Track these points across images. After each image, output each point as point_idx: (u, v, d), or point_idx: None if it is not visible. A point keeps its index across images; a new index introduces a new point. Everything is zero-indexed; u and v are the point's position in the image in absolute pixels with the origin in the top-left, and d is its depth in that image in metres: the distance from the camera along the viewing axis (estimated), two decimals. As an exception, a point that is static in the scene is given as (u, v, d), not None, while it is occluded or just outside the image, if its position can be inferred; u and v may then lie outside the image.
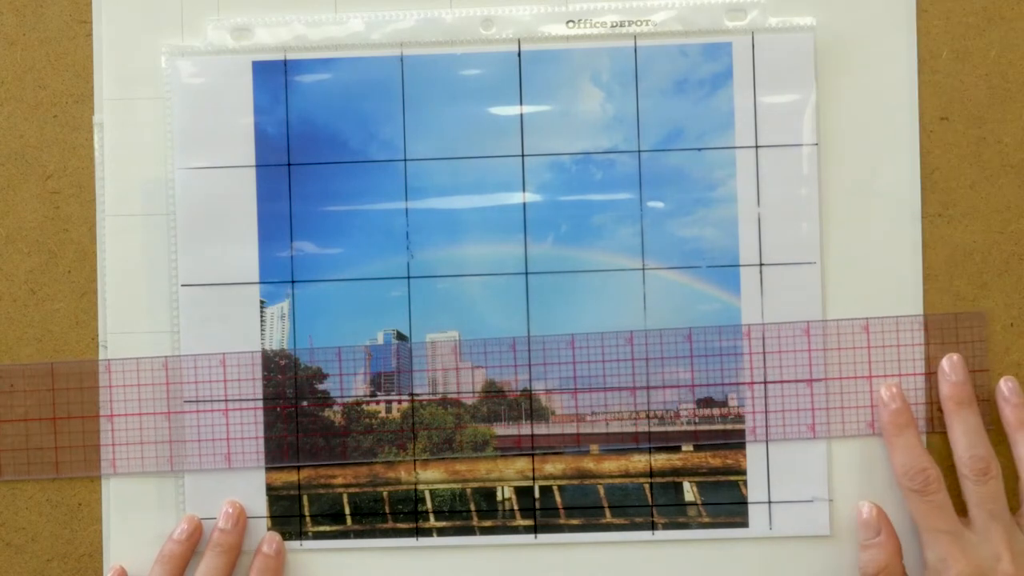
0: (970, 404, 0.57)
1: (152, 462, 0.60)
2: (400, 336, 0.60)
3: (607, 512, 0.60)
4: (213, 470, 0.60)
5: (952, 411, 0.57)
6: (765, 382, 0.59)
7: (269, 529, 0.60)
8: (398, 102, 0.60)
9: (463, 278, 0.60)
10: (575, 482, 0.60)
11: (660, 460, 0.60)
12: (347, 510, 0.61)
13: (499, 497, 0.61)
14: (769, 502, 0.60)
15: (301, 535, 0.60)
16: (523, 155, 0.60)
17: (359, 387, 0.60)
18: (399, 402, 0.60)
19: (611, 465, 0.60)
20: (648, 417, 0.60)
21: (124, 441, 0.60)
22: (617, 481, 0.60)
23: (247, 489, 0.60)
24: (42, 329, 0.61)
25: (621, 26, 0.60)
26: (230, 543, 0.59)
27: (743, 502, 0.60)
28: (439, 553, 0.60)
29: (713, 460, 0.60)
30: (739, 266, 0.60)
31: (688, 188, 0.60)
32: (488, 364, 0.60)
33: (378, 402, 0.60)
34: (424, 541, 0.60)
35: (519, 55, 0.60)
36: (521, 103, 0.60)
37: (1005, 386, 0.58)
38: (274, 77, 0.60)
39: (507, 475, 0.61)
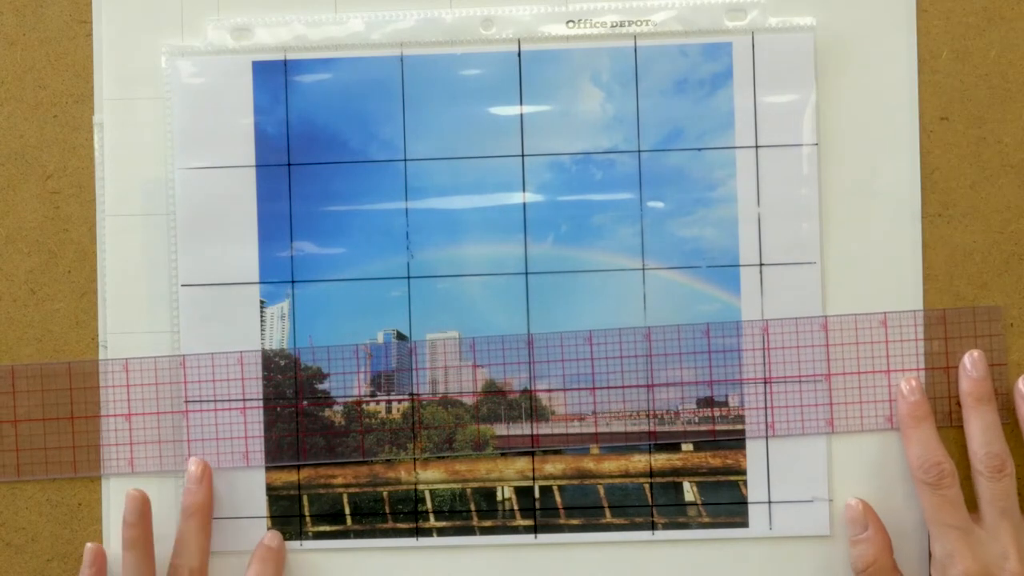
0: (989, 401, 0.58)
1: (155, 462, 0.60)
2: (400, 336, 0.60)
3: (607, 512, 0.60)
4: (213, 470, 0.60)
5: (971, 407, 0.58)
6: (785, 378, 0.59)
7: (269, 529, 0.60)
8: (398, 102, 0.60)
9: (463, 278, 0.60)
10: (575, 482, 0.60)
11: (660, 460, 0.60)
12: (347, 510, 0.61)
13: (499, 497, 0.61)
14: (769, 502, 0.60)
15: (301, 535, 0.60)
16: (523, 155, 0.60)
17: (359, 387, 0.60)
18: (399, 402, 0.60)
19: (611, 465, 0.60)
20: (649, 416, 0.60)
21: (122, 441, 0.60)
22: (617, 481, 0.60)
23: (247, 489, 0.60)
24: (42, 329, 0.61)
25: (621, 26, 0.60)
26: (199, 502, 0.58)
27: (743, 502, 0.60)
28: (439, 553, 0.60)
29: (713, 460, 0.60)
30: (739, 266, 0.60)
31: (688, 188, 0.60)
32: (491, 362, 0.60)
33: (378, 402, 0.61)
34: (424, 541, 0.60)
35: (519, 55, 0.60)
36: (521, 103, 0.60)
37: (1023, 383, 0.58)
38: (274, 77, 0.60)
39: (507, 475, 0.61)
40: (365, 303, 0.60)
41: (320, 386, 0.60)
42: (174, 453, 0.60)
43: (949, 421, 0.59)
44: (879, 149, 0.60)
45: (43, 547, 0.61)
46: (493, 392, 0.60)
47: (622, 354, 0.60)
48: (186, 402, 0.60)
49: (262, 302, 0.60)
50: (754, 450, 0.60)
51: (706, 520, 0.60)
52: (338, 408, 0.60)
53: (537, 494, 0.61)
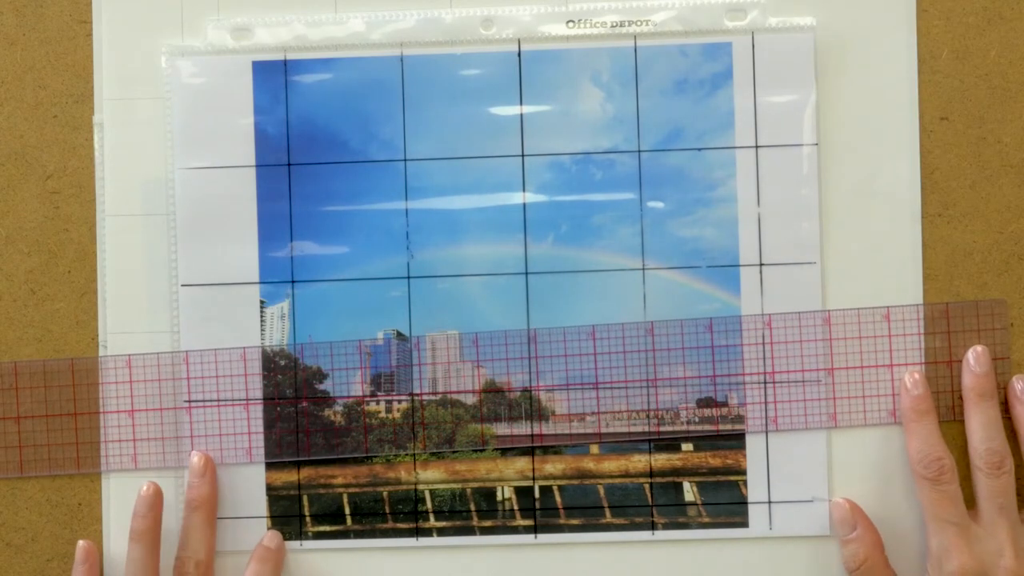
0: (991, 397, 0.58)
1: (158, 458, 0.60)
2: (400, 336, 0.60)
3: (607, 512, 0.60)
4: (215, 465, 0.60)
5: (972, 402, 0.58)
6: (788, 372, 0.59)
7: (269, 529, 0.60)
8: (398, 102, 0.60)
9: (463, 278, 0.60)
10: (575, 482, 0.60)
11: (660, 460, 0.60)
12: (347, 510, 0.61)
13: (499, 497, 0.61)
14: (769, 502, 0.60)
15: (301, 535, 0.60)
16: (523, 155, 0.60)
17: (359, 387, 0.60)
18: (399, 401, 0.60)
19: (611, 465, 0.60)
20: (649, 416, 0.60)
21: (125, 437, 0.60)
22: (617, 481, 0.60)
23: (247, 489, 0.60)
24: (42, 329, 0.61)
25: (621, 26, 0.60)
26: (203, 496, 0.59)
27: (743, 502, 0.60)
28: (439, 553, 0.60)
29: (713, 460, 0.60)
30: (739, 266, 0.60)
31: (688, 188, 0.60)
32: (493, 357, 0.60)
33: (378, 401, 0.61)
34: (424, 541, 0.60)
35: (519, 55, 0.60)
36: (521, 103, 0.60)
37: (1018, 385, 0.58)
38: (274, 77, 0.60)
39: (507, 475, 0.61)
40: (365, 303, 0.60)
41: (320, 386, 0.60)
42: (177, 449, 0.60)
43: (952, 415, 0.59)
44: (879, 149, 0.60)
45: (43, 547, 0.61)
46: (493, 390, 0.60)
47: (625, 349, 0.60)
48: (189, 399, 0.60)
49: (262, 302, 0.60)
50: (754, 449, 0.60)
51: (706, 520, 0.60)
52: (338, 408, 0.60)
53: (537, 494, 0.61)
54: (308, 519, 0.61)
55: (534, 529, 0.60)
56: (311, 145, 0.60)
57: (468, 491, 0.61)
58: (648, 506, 0.60)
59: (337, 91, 0.60)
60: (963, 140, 0.60)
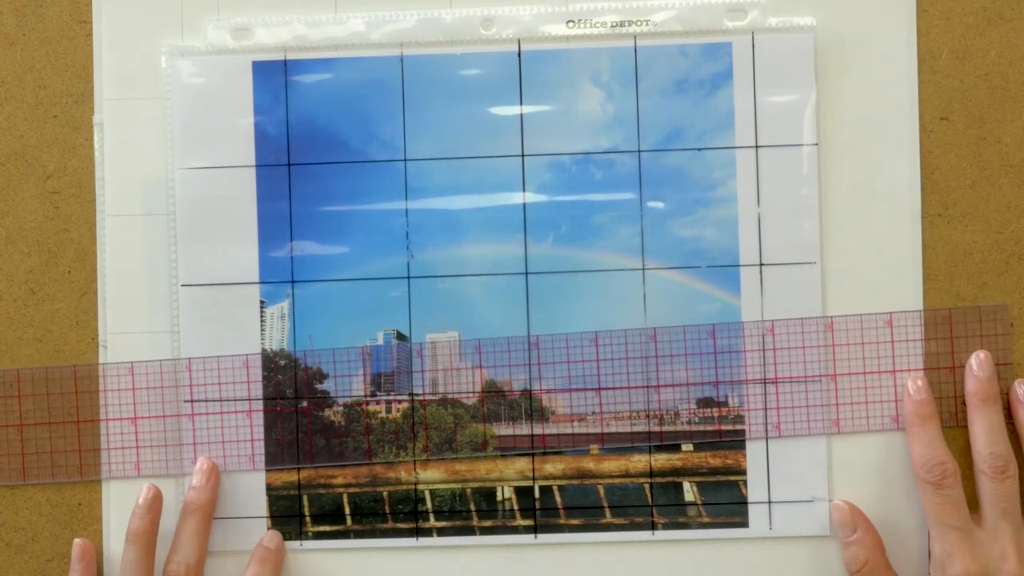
0: (994, 401, 0.58)
1: (160, 465, 0.60)
2: (400, 336, 0.60)
3: (607, 512, 0.60)
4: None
5: (976, 407, 0.58)
6: (791, 378, 0.59)
7: (269, 529, 0.60)
8: (398, 102, 0.60)
9: (463, 278, 0.60)
10: (575, 482, 0.60)
11: (660, 460, 0.60)
12: (347, 510, 0.61)
13: (499, 497, 0.61)
14: (769, 502, 0.60)
15: (301, 535, 0.60)
16: (523, 155, 0.60)
17: (359, 387, 0.60)
18: (399, 402, 0.60)
19: (611, 465, 0.60)
20: (649, 416, 0.60)
21: (128, 444, 0.60)
22: (617, 481, 0.60)
23: (247, 489, 0.60)
24: (42, 329, 0.61)
25: (621, 26, 0.60)
26: (202, 500, 0.59)
27: (743, 502, 0.60)
28: (439, 553, 0.60)
29: (713, 460, 0.60)
30: (739, 266, 0.60)
31: (688, 188, 0.60)
32: (496, 364, 0.60)
33: (378, 402, 0.61)
34: (424, 541, 0.60)
35: (519, 55, 0.60)
36: (521, 103, 0.60)
37: (1020, 389, 0.58)
38: (274, 77, 0.60)
39: (507, 475, 0.61)
40: (365, 303, 0.60)
41: (320, 386, 0.60)
42: (179, 456, 0.60)
43: (955, 421, 0.59)
44: (879, 149, 0.60)
45: (43, 547, 0.61)
46: (493, 392, 0.60)
47: (627, 355, 0.60)
48: (192, 407, 0.60)
49: (262, 302, 0.60)
50: (754, 450, 0.60)
51: (706, 520, 0.60)
52: (338, 408, 0.60)
53: (537, 494, 0.61)
54: (308, 519, 0.61)
55: (534, 529, 0.60)
56: (311, 145, 0.60)
57: (468, 491, 0.61)
58: (648, 506, 0.60)
59: (337, 91, 0.60)
60: (963, 140, 0.60)
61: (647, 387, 0.60)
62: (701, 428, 0.60)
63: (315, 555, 0.61)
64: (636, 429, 0.60)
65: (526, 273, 0.60)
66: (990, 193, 0.60)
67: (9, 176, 0.61)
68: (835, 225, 0.60)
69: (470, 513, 0.60)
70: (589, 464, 0.60)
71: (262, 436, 0.60)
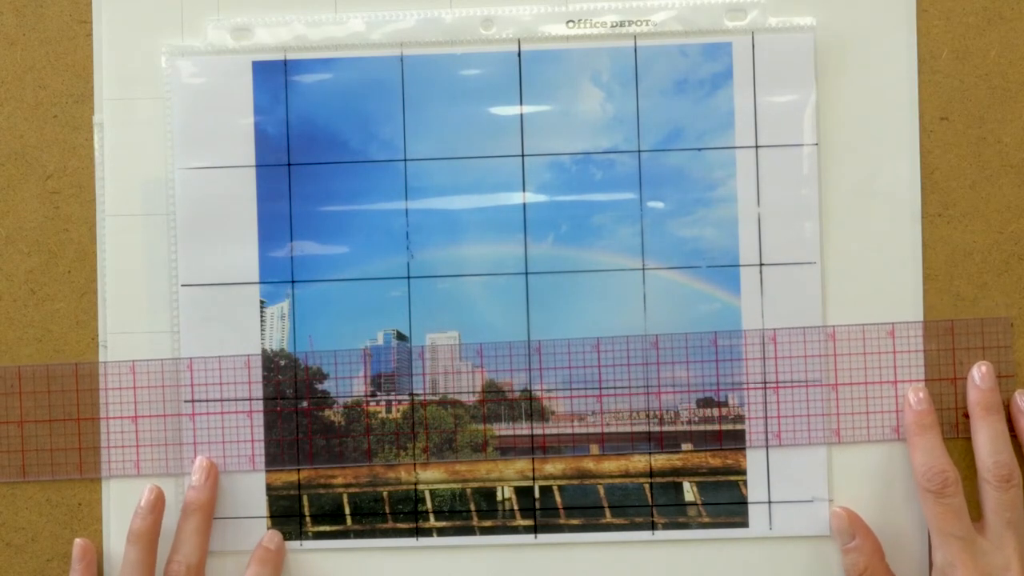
0: (997, 411, 0.58)
1: (160, 464, 0.60)
2: (400, 336, 0.60)
3: (607, 512, 0.60)
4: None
5: (979, 417, 0.57)
6: (791, 386, 0.59)
7: (269, 529, 0.60)
8: (398, 102, 0.60)
9: (463, 278, 0.60)
10: (575, 482, 0.60)
11: (660, 460, 0.60)
12: (347, 510, 0.61)
13: (499, 497, 0.61)
14: (769, 502, 0.60)
15: (301, 535, 0.60)
16: (523, 155, 0.60)
17: (359, 387, 0.60)
18: (399, 402, 0.60)
19: (611, 465, 0.60)
20: (649, 417, 0.60)
21: (128, 443, 0.60)
22: (617, 481, 0.60)
23: (247, 489, 0.60)
24: (42, 329, 0.61)
25: (621, 26, 0.60)
26: (202, 500, 0.59)
27: (743, 502, 0.60)
28: (439, 553, 0.60)
29: (713, 460, 0.60)
30: (739, 266, 0.60)
31: (688, 188, 0.60)
32: (498, 368, 0.60)
33: (378, 402, 0.61)
34: (424, 541, 0.60)
35: (519, 55, 0.60)
36: (521, 103, 0.60)
37: (1021, 399, 0.58)
38: (274, 77, 0.60)
39: (507, 475, 0.61)
40: (365, 303, 0.60)
41: (320, 386, 0.60)
42: (179, 456, 0.60)
43: (956, 432, 0.59)
44: (879, 149, 0.60)
45: (43, 547, 0.61)
46: (493, 392, 0.60)
47: (629, 362, 0.60)
48: (193, 407, 0.60)
49: (262, 302, 0.60)
50: (754, 450, 0.60)
51: (706, 520, 0.60)
52: (338, 409, 0.60)
53: (537, 494, 0.61)
54: (308, 519, 0.61)
55: (534, 529, 0.60)
56: (311, 145, 0.60)
57: (468, 491, 0.61)
58: (648, 506, 0.60)
59: (337, 91, 0.60)
60: (963, 140, 0.60)
61: (648, 393, 0.60)
62: (701, 428, 0.60)
63: (315, 555, 0.61)
64: (636, 429, 0.60)
65: (526, 273, 0.60)
66: (990, 193, 0.60)
67: (9, 176, 0.61)
68: (835, 225, 0.60)
69: (470, 513, 0.60)
70: (589, 464, 0.60)
71: (262, 436, 0.60)
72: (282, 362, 0.60)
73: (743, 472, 0.60)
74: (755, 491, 0.60)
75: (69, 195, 0.61)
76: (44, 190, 0.61)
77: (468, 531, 0.60)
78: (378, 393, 0.60)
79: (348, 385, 0.60)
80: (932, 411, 0.58)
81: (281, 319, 0.60)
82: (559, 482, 0.61)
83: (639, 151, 0.60)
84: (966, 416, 0.59)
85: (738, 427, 0.60)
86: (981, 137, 0.60)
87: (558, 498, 0.60)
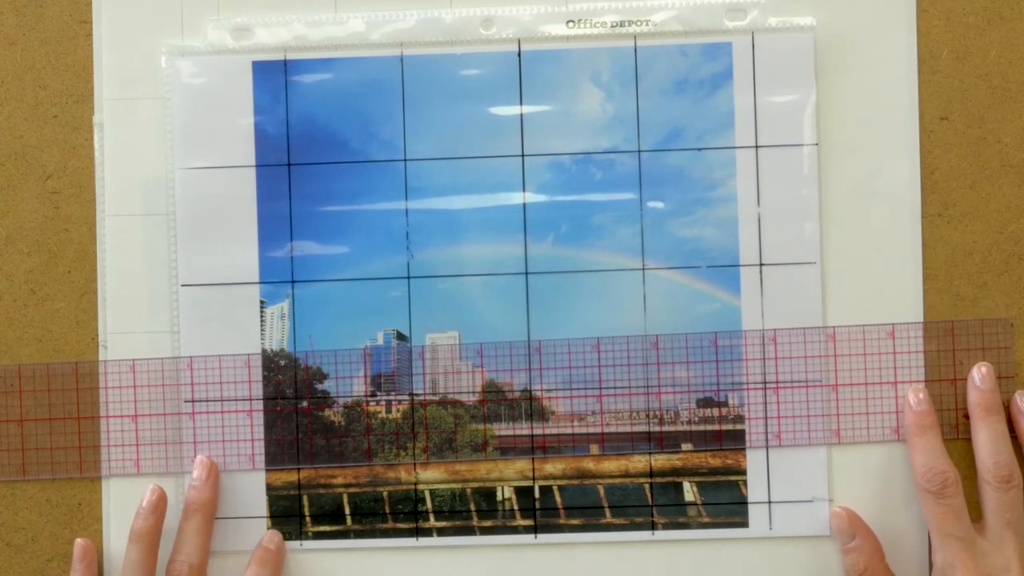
0: (997, 412, 0.58)
1: (160, 463, 0.60)
2: (400, 336, 0.60)
3: (607, 512, 0.60)
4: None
5: (979, 417, 0.57)
6: (791, 386, 0.59)
7: (269, 529, 0.60)
8: (398, 102, 0.60)
9: (463, 278, 0.60)
10: (575, 482, 0.60)
11: (660, 460, 0.60)
12: (347, 510, 0.61)
13: (499, 497, 0.61)
14: (769, 502, 0.60)
15: (301, 535, 0.60)
16: (523, 155, 0.60)
17: (359, 387, 0.60)
18: (399, 402, 0.60)
19: (611, 465, 0.60)
20: (649, 417, 0.60)
21: (128, 442, 0.60)
22: (617, 481, 0.60)
23: (247, 489, 0.60)
24: (42, 329, 0.61)
25: (621, 26, 0.60)
26: (203, 499, 0.59)
27: (743, 502, 0.60)
28: (439, 553, 0.60)
29: (713, 460, 0.60)
30: (739, 266, 0.60)
31: (688, 188, 0.60)
32: (498, 368, 0.60)
33: (378, 402, 0.61)
34: (424, 541, 0.60)
35: (519, 55, 0.60)
36: (521, 103, 0.60)
37: (1021, 399, 0.58)
38: (274, 77, 0.60)
39: (507, 475, 0.61)
40: (365, 303, 0.60)
41: (320, 386, 0.60)
42: (179, 454, 0.60)
43: (956, 433, 0.59)
44: (879, 149, 0.60)
45: (43, 547, 0.61)
46: (493, 392, 0.60)
47: (629, 362, 0.60)
48: (192, 404, 0.60)
49: (262, 302, 0.60)
50: (754, 450, 0.60)
51: (706, 520, 0.60)
52: (338, 409, 0.60)
53: (537, 494, 0.61)
54: (308, 519, 0.61)
55: (534, 529, 0.60)
56: (311, 145, 0.60)
57: (468, 491, 0.61)
58: (648, 506, 0.60)
59: (337, 91, 0.60)
60: (963, 140, 0.60)
61: (648, 393, 0.60)
62: (701, 428, 0.60)
63: (315, 555, 0.61)
64: (636, 429, 0.60)
65: (526, 273, 0.60)
66: (990, 193, 0.60)
67: (9, 176, 0.61)
68: (835, 225, 0.60)
69: (470, 513, 0.60)
70: (589, 464, 0.60)
71: (262, 436, 0.60)
72: (282, 362, 0.60)
73: (743, 472, 0.60)
74: (755, 491, 0.60)
75: (69, 195, 0.61)
76: (44, 190, 0.61)
77: (468, 531, 0.60)
78: (378, 393, 0.60)
79: (348, 385, 0.60)
80: (932, 412, 0.58)
81: (281, 319, 0.60)
82: (559, 482, 0.61)
83: (639, 151, 0.60)
84: (966, 417, 0.59)
85: (738, 427, 0.60)
86: (981, 137, 0.60)
87: (558, 498, 0.60)
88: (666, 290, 0.60)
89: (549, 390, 0.60)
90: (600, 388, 0.60)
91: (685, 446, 0.60)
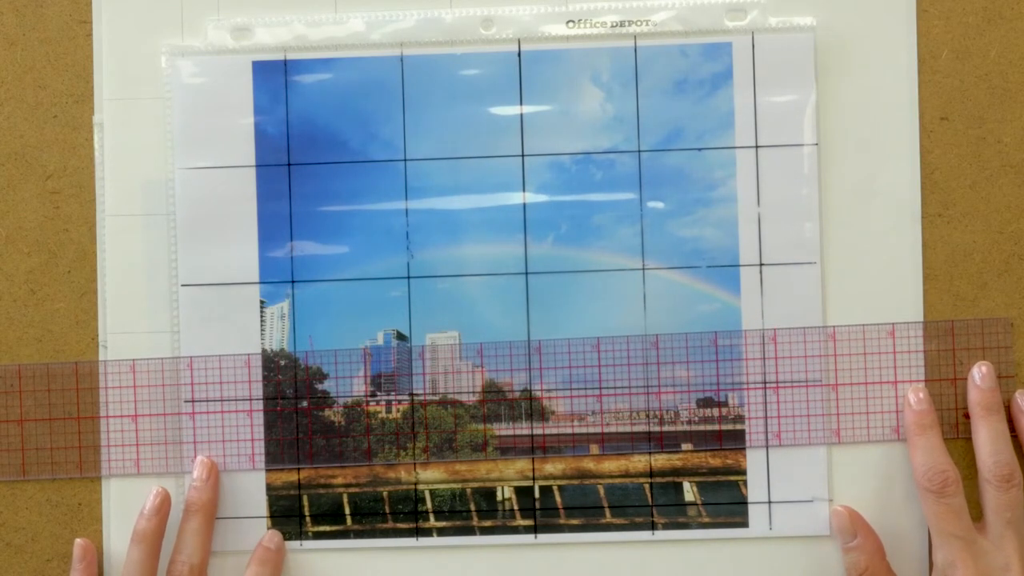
0: (998, 411, 0.58)
1: (160, 463, 0.60)
2: (400, 336, 0.60)
3: (607, 512, 0.60)
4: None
5: (980, 416, 0.57)
6: (791, 386, 0.59)
7: (269, 529, 0.60)
8: (398, 102, 0.60)
9: (463, 278, 0.60)
10: (575, 482, 0.60)
11: (660, 460, 0.60)
12: (347, 510, 0.61)
13: (499, 497, 0.61)
14: (769, 502, 0.60)
15: (301, 535, 0.60)
16: (523, 155, 0.60)
17: (359, 387, 0.60)
18: (399, 402, 0.60)
19: (611, 465, 0.60)
20: (649, 417, 0.60)
21: (128, 442, 0.60)
22: (617, 481, 0.60)
23: (247, 489, 0.60)
24: (42, 329, 0.61)
25: (621, 26, 0.60)
26: (204, 500, 0.59)
27: (743, 502, 0.60)
28: (439, 553, 0.60)
29: (713, 460, 0.60)
30: (739, 266, 0.60)
31: (688, 188, 0.60)
32: (498, 368, 0.60)
33: (378, 402, 0.61)
34: (424, 541, 0.60)
35: (519, 55, 0.60)
36: (521, 103, 0.60)
37: (1022, 399, 0.58)
38: (274, 77, 0.60)
39: (507, 475, 0.61)
40: (365, 303, 0.60)
41: (320, 386, 0.60)
42: (179, 455, 0.60)
43: (956, 433, 0.59)
44: (879, 149, 0.60)
45: (43, 547, 0.61)
46: (493, 392, 0.60)
47: (629, 362, 0.60)
48: (192, 404, 0.60)
49: (262, 302, 0.60)
50: (754, 450, 0.60)
51: (706, 520, 0.60)
52: (338, 409, 0.60)
53: (537, 494, 0.61)
54: (308, 519, 0.61)
55: (534, 529, 0.60)
56: (311, 145, 0.60)
57: (468, 491, 0.61)
58: (648, 506, 0.60)
59: (337, 91, 0.60)
60: (963, 140, 0.60)
61: (648, 393, 0.60)
62: (701, 428, 0.60)
63: (315, 555, 0.61)
64: (636, 429, 0.60)
65: (526, 273, 0.60)
66: (990, 193, 0.60)
67: (9, 176, 0.61)
68: (835, 225, 0.60)
69: (470, 513, 0.60)
70: (589, 464, 0.60)
71: (262, 436, 0.60)
72: (282, 362, 0.60)
73: (743, 472, 0.60)
74: (755, 491, 0.60)
75: (69, 195, 0.61)
76: (44, 190, 0.61)
77: (468, 531, 0.60)
78: (378, 393, 0.60)
79: (348, 385, 0.60)
80: (932, 411, 0.58)
81: (281, 319, 0.60)
82: (559, 482, 0.61)
83: (639, 151, 0.60)
84: (966, 416, 0.59)
85: (738, 427, 0.60)
86: (981, 137, 0.60)
87: (558, 498, 0.60)
88: (666, 290, 0.60)
89: (549, 390, 0.60)
90: (600, 388, 0.60)
91: (685, 446, 0.60)
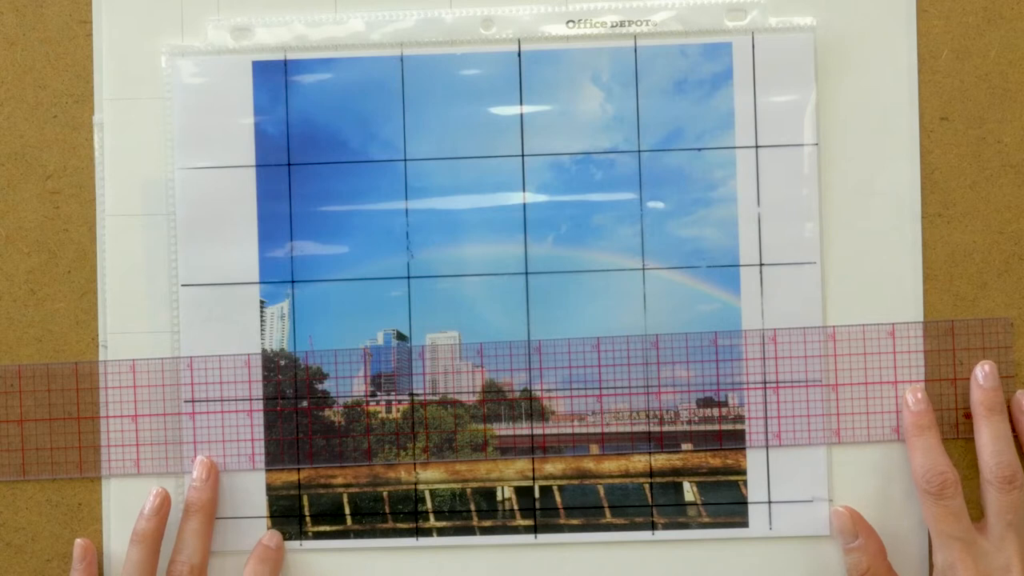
0: (1000, 411, 0.57)
1: (160, 463, 0.60)
2: (400, 336, 0.60)
3: (607, 512, 0.60)
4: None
5: (982, 417, 0.57)
6: (791, 386, 0.59)
7: (269, 529, 0.60)
8: (398, 102, 0.60)
9: (463, 278, 0.60)
10: (575, 482, 0.60)
11: (660, 460, 0.60)
12: (347, 510, 0.61)
13: (499, 497, 0.61)
14: (769, 502, 0.60)
15: (301, 535, 0.60)
16: (523, 155, 0.60)
17: (359, 387, 0.60)
18: (399, 402, 0.60)
19: (611, 465, 0.60)
20: (649, 417, 0.60)
21: (128, 442, 0.60)
22: (617, 481, 0.60)
23: (247, 489, 0.60)
24: (42, 329, 0.61)
25: (621, 26, 0.60)
26: (203, 500, 0.59)
27: (743, 502, 0.60)
28: (439, 553, 0.60)
29: (713, 460, 0.60)
30: (739, 266, 0.60)
31: (688, 188, 0.60)
32: (498, 368, 0.60)
33: (378, 402, 0.61)
34: (424, 541, 0.60)
35: (519, 55, 0.60)
36: (521, 103, 0.60)
37: (1023, 399, 0.58)
38: (274, 77, 0.60)
39: (507, 475, 0.61)
40: (365, 303, 0.60)
41: (320, 386, 0.60)
42: (179, 455, 0.60)
43: (956, 433, 0.59)
44: (879, 149, 0.60)
45: (43, 547, 0.61)
46: (493, 392, 0.60)
47: (629, 362, 0.60)
48: (192, 404, 0.60)
49: (262, 302, 0.60)
50: (754, 450, 0.60)
51: (706, 520, 0.60)
52: (338, 409, 0.60)
53: (537, 494, 0.61)
54: (308, 519, 0.61)
55: (534, 529, 0.60)
56: (311, 145, 0.60)
57: (468, 491, 0.61)
58: (648, 506, 0.60)
59: (337, 91, 0.60)
60: (963, 140, 0.60)
61: (648, 393, 0.60)
62: (701, 428, 0.60)
63: (315, 555, 0.61)
64: (636, 429, 0.60)
65: (526, 273, 0.60)
66: (990, 193, 0.60)
67: (9, 176, 0.61)
68: (835, 225, 0.60)
69: (470, 513, 0.60)
70: (589, 464, 0.60)
71: (262, 436, 0.60)
72: (282, 362, 0.60)
73: (743, 472, 0.60)
74: (755, 491, 0.60)
75: (69, 195, 0.61)
76: (44, 190, 0.61)
77: (468, 531, 0.60)
78: (378, 393, 0.60)
79: (348, 385, 0.60)
80: (930, 412, 0.58)
81: (281, 319, 0.60)
82: (559, 482, 0.61)
83: (639, 151, 0.60)
84: (967, 416, 0.59)
85: (738, 427, 0.60)
86: (981, 137, 0.60)
87: (558, 498, 0.61)
88: (666, 290, 0.60)
89: (549, 390, 0.60)
90: (600, 388, 0.60)
91: (685, 446, 0.60)
